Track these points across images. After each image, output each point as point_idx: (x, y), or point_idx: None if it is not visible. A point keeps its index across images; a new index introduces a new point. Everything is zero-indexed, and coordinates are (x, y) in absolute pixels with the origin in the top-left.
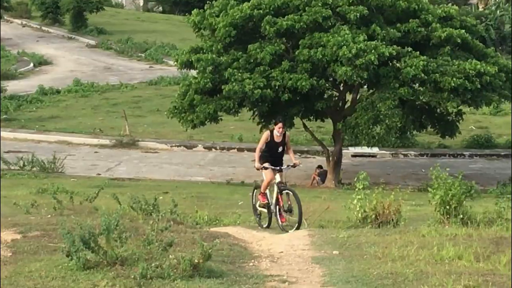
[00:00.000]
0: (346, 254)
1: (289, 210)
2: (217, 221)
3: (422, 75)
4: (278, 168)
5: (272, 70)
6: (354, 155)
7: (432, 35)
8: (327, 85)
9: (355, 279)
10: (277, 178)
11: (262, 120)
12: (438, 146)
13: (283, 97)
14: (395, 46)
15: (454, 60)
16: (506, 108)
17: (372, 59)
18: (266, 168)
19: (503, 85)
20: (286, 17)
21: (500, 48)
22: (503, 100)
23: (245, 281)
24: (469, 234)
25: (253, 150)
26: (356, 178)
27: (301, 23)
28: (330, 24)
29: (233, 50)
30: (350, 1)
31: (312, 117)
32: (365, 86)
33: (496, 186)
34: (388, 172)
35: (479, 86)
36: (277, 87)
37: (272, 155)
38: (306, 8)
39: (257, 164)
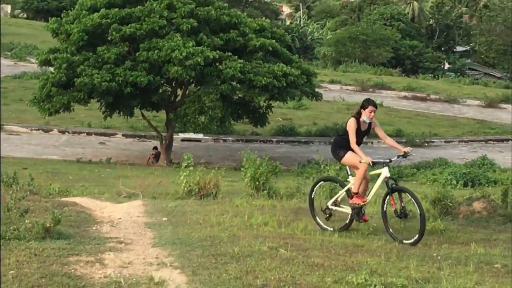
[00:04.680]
0: (173, 221)
1: (404, 215)
2: (67, 192)
3: (239, 75)
4: (388, 160)
5: (117, 68)
6: (183, 140)
7: (249, 43)
8: (162, 81)
9: (180, 241)
10: (385, 172)
11: (108, 110)
12: (252, 133)
13: (125, 90)
14: (218, 51)
15: (265, 64)
16: (306, 103)
17: (199, 61)
18: (374, 164)
19: (304, 84)
20: (129, 25)
21: (303, 55)
22: (303, 96)
23: (88, 242)
24: (274, 205)
25: (100, 134)
26: (182, 159)
27: (142, 31)
28: (165, 32)
29: (85, 51)
30: (183, 15)
31: (149, 107)
32: (193, 83)
33: (297, 167)
34: (210, 154)
35: (285, 84)
36: (120, 82)
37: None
38: (146, 19)
39: (365, 159)
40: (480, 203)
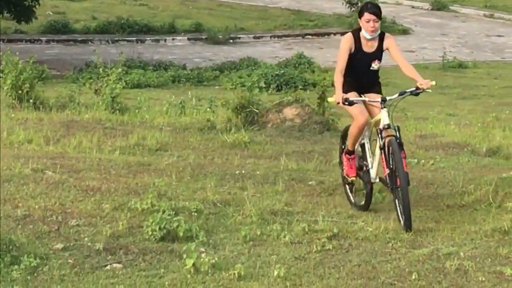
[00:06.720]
0: None
1: None
2: None
3: None
4: (379, 100)
5: None
6: None
7: None
8: None
9: None
10: (384, 117)
11: None
12: (15, 31)
13: None
14: None
15: None
16: None
17: None
18: (351, 103)
19: None
20: None
21: None
22: None
23: None
24: (40, 118)
25: None
26: None
27: None
28: None
29: None
30: None
31: None
32: None
33: (72, 71)
34: None
35: None
36: None
37: (359, 78)
38: None
39: (337, 95)
40: (293, 109)
